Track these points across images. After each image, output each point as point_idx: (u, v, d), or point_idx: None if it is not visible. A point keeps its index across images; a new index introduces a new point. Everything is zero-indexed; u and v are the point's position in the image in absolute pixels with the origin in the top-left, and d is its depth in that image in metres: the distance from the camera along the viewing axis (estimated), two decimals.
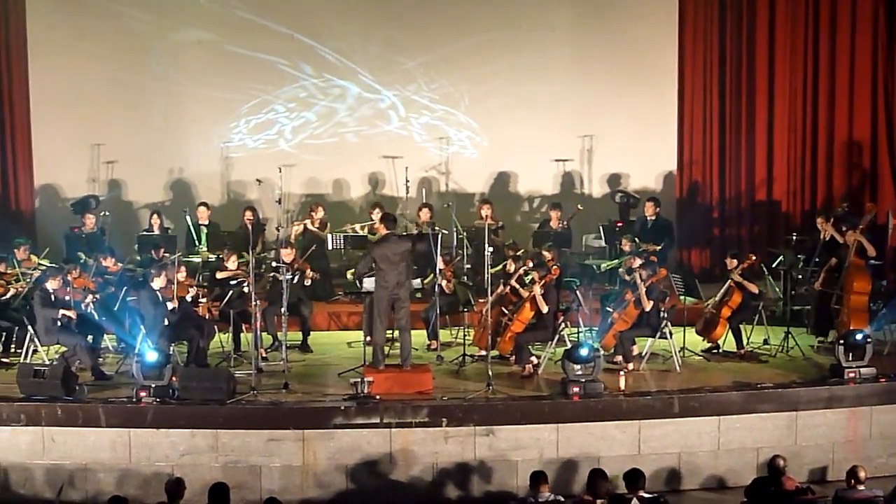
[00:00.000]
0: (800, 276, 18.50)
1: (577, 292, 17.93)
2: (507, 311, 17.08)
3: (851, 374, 15.87)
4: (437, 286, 17.35)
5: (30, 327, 16.69)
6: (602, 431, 15.27)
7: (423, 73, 21.64)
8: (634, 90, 21.42)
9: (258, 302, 16.70)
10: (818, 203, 20.24)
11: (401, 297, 15.95)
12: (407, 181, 20.89)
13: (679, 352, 17.01)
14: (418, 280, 18.40)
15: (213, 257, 19.13)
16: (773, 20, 20.40)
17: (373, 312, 16.35)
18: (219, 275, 17.82)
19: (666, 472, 15.33)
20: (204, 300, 17.29)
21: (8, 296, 17.32)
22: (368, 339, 16.96)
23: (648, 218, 19.95)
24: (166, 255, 18.51)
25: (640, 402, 15.49)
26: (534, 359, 16.71)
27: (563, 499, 13.18)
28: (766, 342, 17.90)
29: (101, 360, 16.93)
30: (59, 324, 16.40)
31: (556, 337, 16.90)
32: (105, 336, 17.54)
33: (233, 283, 17.42)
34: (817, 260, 18.29)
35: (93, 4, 21.34)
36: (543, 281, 16.76)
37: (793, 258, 18.60)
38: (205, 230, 19.91)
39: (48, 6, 21.21)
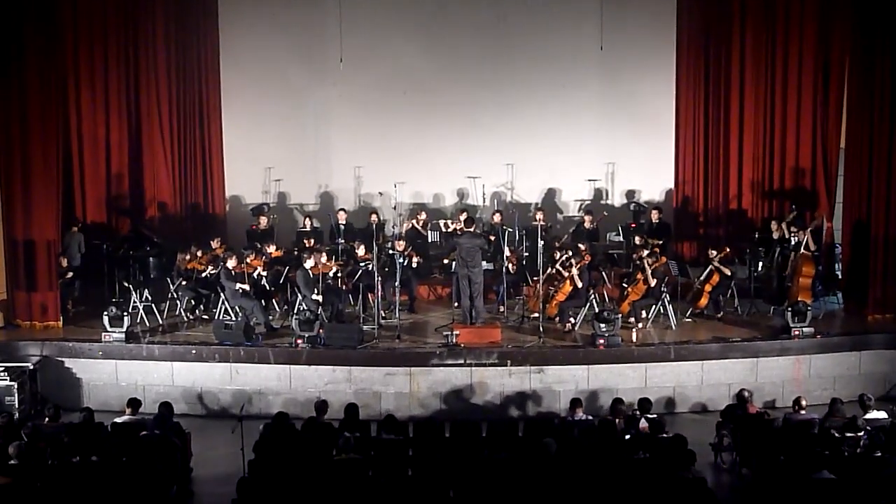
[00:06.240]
0: (761, 263, 18.42)
1: (603, 273, 17.98)
2: (553, 286, 17.12)
3: (796, 333, 15.85)
4: (504, 268, 17.48)
5: (221, 294, 17.03)
6: (620, 371, 15.37)
7: (496, 121, 21.36)
8: (643, 129, 21.21)
9: (379, 278, 16.88)
10: (774, 212, 20.01)
11: (474, 275, 16.07)
12: (484, 194, 20.91)
13: (674, 315, 17.00)
14: (490, 263, 18.45)
15: (348, 247, 19.27)
16: (742, 81, 20.09)
17: (459, 287, 16.49)
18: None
19: (665, 400, 15.41)
20: (341, 276, 17.48)
21: (206, 273, 17.66)
22: (456, 304, 17.12)
23: (653, 221, 19.84)
24: (315, 244, 18.75)
25: (647, 351, 15.55)
26: (572, 319, 16.76)
27: (591, 417, 13.29)
28: (736, 309, 17.83)
29: (270, 317, 17.18)
30: (240, 292, 16.68)
31: (588, 304, 16.96)
32: (273, 300, 17.80)
33: (360, 266, 17.54)
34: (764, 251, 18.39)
35: (271, 72, 21.41)
36: (579, 264, 16.81)
37: (755, 250, 18.47)
38: (342, 227, 20.04)
39: (238, 75, 21.32)
